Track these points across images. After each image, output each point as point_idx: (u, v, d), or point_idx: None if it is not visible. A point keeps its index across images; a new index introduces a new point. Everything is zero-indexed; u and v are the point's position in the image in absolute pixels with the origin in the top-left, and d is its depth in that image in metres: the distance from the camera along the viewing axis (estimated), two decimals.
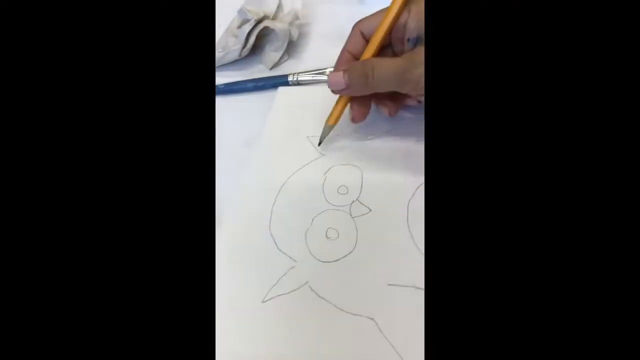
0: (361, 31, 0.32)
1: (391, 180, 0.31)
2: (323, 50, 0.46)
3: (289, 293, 0.26)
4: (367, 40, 0.32)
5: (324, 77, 0.42)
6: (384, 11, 0.31)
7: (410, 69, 0.28)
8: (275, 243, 0.29)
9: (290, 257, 0.28)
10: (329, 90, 0.40)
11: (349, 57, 0.33)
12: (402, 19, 0.30)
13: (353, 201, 0.30)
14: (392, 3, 0.30)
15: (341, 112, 0.33)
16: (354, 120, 0.33)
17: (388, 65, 0.29)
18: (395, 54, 0.32)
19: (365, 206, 0.30)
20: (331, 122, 0.33)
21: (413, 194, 0.30)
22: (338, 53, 0.45)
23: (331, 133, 0.35)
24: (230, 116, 0.41)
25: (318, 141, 0.34)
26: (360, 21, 0.33)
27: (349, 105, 0.33)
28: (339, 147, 0.34)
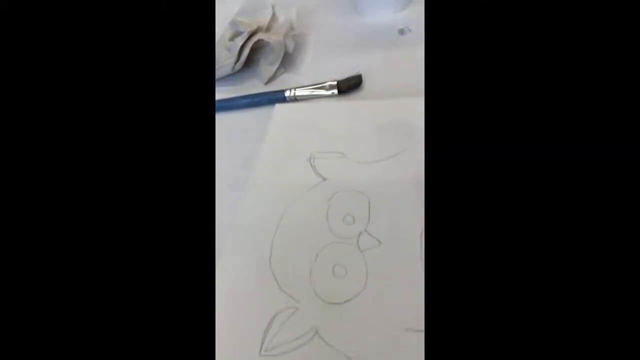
0: None
1: (401, 208, 0.28)
2: (321, 62, 0.44)
3: (294, 340, 0.24)
4: None
5: (323, 92, 0.39)
6: None
7: None
8: (277, 282, 0.26)
9: (293, 298, 0.25)
10: (328, 105, 0.38)
11: None
12: None
13: (361, 232, 0.28)
14: None
15: None
16: None
17: None
18: None
19: (375, 238, 0.27)
20: None
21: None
22: (335, 65, 0.43)
23: (332, 154, 0.33)
24: (225, 135, 0.38)
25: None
26: None
27: None
28: (341, 170, 0.32)
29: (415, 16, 0.46)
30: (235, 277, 0.27)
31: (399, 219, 0.28)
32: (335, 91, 0.39)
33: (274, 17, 0.45)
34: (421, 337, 0.23)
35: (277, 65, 0.43)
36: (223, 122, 0.40)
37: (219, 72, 0.43)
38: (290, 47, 0.43)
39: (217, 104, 0.41)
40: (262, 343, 0.24)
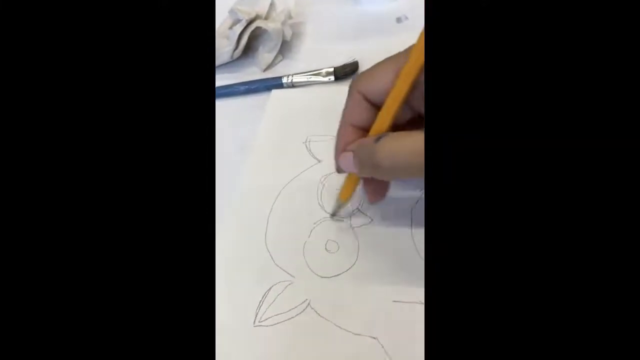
0: (364, 95, 0.24)
1: (393, 186, 0.29)
2: (318, 49, 0.45)
3: (287, 312, 0.25)
4: (371, 104, 0.24)
5: (320, 79, 0.40)
6: (390, 65, 0.23)
7: None
8: (272, 257, 0.27)
9: (287, 273, 0.26)
10: (324, 92, 0.38)
11: (353, 131, 0.25)
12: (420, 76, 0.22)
13: (353, 210, 0.29)
14: (410, 59, 0.22)
15: (355, 187, 0.27)
16: (370, 200, 0.27)
17: (411, 150, 0.20)
18: (411, 111, 0.24)
19: (367, 215, 0.28)
20: (344, 197, 0.27)
21: (417, 201, 0.28)
22: (333, 52, 0.44)
23: (327, 137, 0.34)
24: (223, 121, 0.39)
25: (331, 212, 0.29)
26: (359, 81, 0.24)
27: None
28: None
29: (412, 4, 0.46)
30: (232, 254, 0.28)
31: (391, 198, 0.29)
32: (332, 77, 0.40)
33: (272, 5, 0.45)
34: (408, 308, 0.24)
35: (275, 53, 0.44)
36: (222, 108, 0.41)
37: (218, 59, 0.44)
38: (288, 34, 0.44)
39: (216, 91, 0.42)
40: (256, 315, 0.25)
